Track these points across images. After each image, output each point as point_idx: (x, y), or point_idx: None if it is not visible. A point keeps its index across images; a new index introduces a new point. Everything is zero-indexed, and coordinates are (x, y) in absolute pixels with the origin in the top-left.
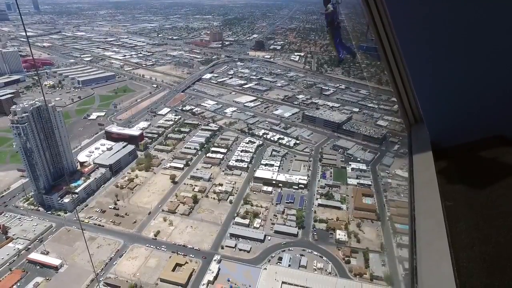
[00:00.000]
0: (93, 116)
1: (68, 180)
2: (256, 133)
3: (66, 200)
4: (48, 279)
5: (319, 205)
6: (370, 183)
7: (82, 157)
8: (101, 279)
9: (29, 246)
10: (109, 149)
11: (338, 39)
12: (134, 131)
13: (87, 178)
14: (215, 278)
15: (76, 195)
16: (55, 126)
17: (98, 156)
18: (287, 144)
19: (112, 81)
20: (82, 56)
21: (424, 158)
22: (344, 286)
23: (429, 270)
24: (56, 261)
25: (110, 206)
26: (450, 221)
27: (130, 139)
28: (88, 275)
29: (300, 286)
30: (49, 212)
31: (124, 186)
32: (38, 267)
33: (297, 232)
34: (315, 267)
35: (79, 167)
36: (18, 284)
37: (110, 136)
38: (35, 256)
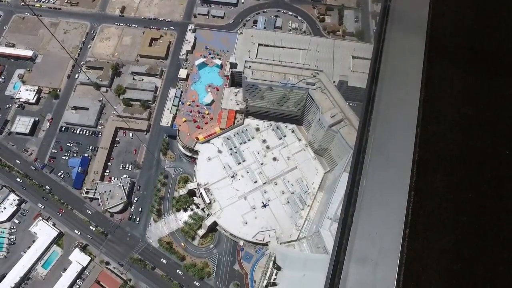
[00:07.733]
0: None
1: None
2: None
3: None
4: (29, 70)
5: None
6: None
7: None
8: (81, 63)
9: None
10: None
11: None
12: None
13: None
14: (193, 47)
15: None
16: None
17: None
18: None
19: None
20: None
21: None
22: (318, 43)
23: None
24: (28, 52)
25: None
26: None
27: None
28: (68, 61)
29: (276, 46)
30: None
31: None
32: (12, 60)
33: None
34: (290, 27)
35: None
36: (3, 77)
37: None
38: (2, 50)
